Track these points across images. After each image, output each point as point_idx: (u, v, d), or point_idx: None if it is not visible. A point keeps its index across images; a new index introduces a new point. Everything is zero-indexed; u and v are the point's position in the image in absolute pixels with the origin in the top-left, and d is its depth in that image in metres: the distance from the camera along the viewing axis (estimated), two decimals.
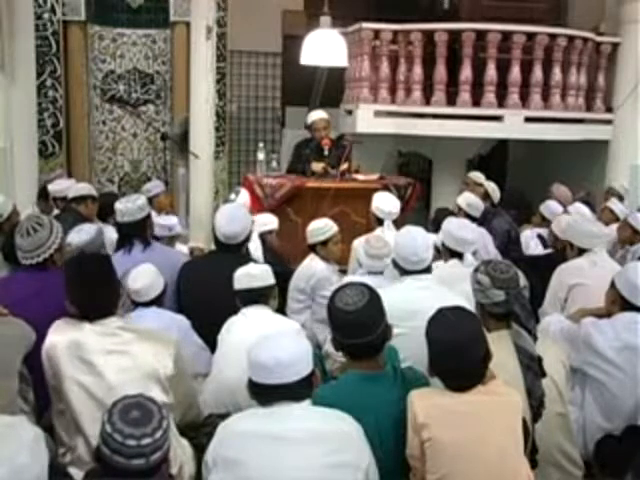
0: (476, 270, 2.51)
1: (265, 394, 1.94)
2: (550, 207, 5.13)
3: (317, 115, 5.78)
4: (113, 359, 2.29)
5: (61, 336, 2.34)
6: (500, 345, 2.29)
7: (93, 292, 2.39)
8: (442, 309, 2.18)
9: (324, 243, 3.89)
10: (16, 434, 1.49)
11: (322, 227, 3.92)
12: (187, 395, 2.47)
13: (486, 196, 5.29)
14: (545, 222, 5.08)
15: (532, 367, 2.30)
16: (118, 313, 2.47)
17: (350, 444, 1.95)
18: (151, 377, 2.29)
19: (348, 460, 1.91)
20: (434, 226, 4.49)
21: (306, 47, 5.53)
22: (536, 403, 2.28)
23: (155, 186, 5.30)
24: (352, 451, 1.94)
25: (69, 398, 2.29)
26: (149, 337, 2.40)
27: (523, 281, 2.49)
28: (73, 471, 2.28)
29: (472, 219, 4.66)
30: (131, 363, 2.30)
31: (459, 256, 3.53)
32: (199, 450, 2.25)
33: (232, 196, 4.69)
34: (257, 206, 4.91)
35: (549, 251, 4.50)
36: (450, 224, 3.62)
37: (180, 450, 2.34)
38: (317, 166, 5.41)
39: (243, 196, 4.65)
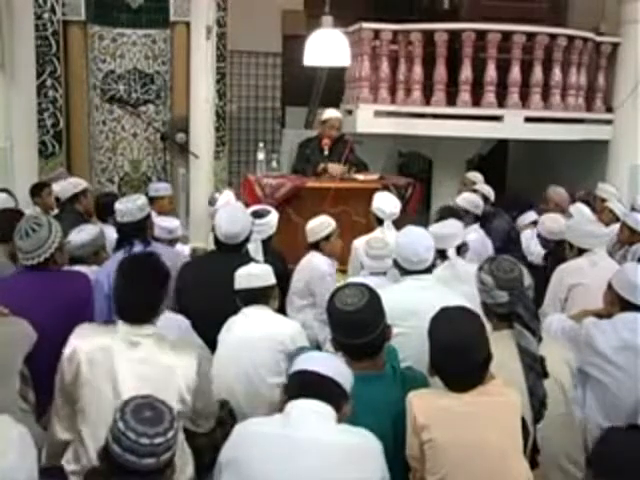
0: (480, 269, 2.49)
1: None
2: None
3: (333, 113, 5.78)
4: (136, 368, 2.21)
5: (85, 341, 2.26)
6: (502, 345, 2.29)
7: (139, 293, 2.29)
8: (445, 308, 2.17)
9: (327, 238, 3.91)
10: (0, 433, 1.48)
11: (323, 223, 3.95)
12: (207, 405, 2.38)
13: (485, 197, 5.29)
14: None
15: (534, 367, 2.29)
16: (154, 321, 2.35)
17: (367, 460, 1.90)
18: (170, 388, 2.21)
19: (362, 477, 1.87)
20: None
21: (309, 47, 5.48)
22: (538, 403, 2.27)
23: (163, 188, 5.22)
24: (368, 467, 1.89)
25: (83, 402, 2.23)
26: (175, 348, 2.31)
27: (528, 280, 2.46)
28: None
29: (476, 218, 4.70)
30: (153, 374, 2.21)
31: (440, 253, 3.36)
32: (214, 449, 2.20)
33: (216, 195, 4.74)
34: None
35: None
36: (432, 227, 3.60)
37: (180, 453, 2.32)
38: (335, 169, 5.38)
39: (226, 195, 4.70)
